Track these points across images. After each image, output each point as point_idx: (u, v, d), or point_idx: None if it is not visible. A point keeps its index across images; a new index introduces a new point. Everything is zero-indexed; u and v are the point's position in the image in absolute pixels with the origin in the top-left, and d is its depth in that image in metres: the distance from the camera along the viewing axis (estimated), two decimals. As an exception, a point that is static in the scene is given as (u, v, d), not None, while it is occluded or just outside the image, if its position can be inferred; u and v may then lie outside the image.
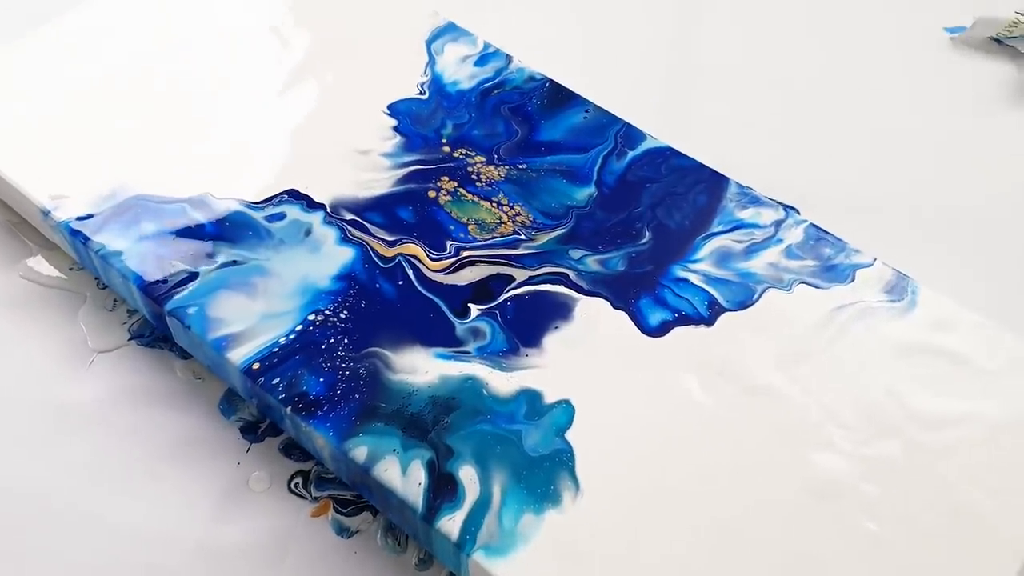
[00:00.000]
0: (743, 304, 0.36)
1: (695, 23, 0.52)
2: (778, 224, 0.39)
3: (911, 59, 0.51)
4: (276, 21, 0.45)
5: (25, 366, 0.38)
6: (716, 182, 0.40)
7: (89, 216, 0.38)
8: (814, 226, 0.39)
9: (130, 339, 0.39)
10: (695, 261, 0.38)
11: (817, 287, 0.37)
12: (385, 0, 0.47)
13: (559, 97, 0.43)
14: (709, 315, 0.36)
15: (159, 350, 0.38)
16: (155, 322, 0.38)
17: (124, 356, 0.38)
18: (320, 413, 0.33)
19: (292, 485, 0.35)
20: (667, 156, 0.41)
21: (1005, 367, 0.35)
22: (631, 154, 0.41)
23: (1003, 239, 0.43)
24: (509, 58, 0.44)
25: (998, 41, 0.51)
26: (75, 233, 0.37)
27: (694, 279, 0.37)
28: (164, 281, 0.36)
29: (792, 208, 0.43)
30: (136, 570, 0.33)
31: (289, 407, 0.33)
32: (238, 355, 0.34)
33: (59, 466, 0.35)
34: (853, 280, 0.37)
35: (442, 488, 0.31)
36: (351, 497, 0.35)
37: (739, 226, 0.39)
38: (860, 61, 0.51)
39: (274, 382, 0.34)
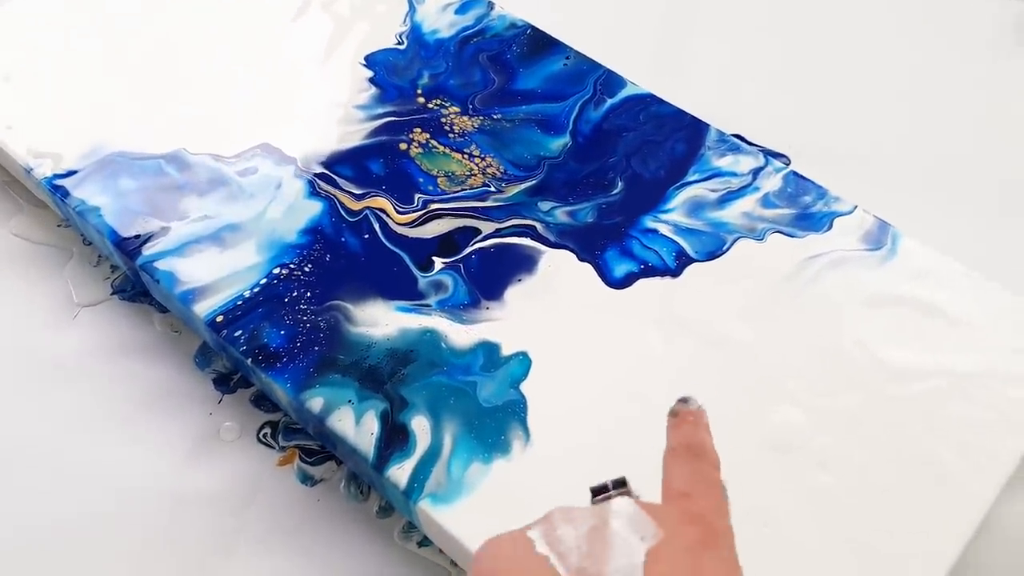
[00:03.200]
0: (712, 254, 0.35)
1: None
2: (756, 172, 0.37)
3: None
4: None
5: (12, 319, 0.39)
6: (696, 129, 0.39)
7: (70, 173, 0.39)
8: (794, 173, 0.37)
9: (113, 294, 0.40)
10: (666, 211, 0.37)
11: (792, 236, 0.36)
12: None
13: (540, 44, 0.42)
14: (676, 266, 0.35)
15: (140, 304, 0.39)
16: (133, 277, 0.38)
17: (107, 310, 0.39)
18: (279, 365, 0.33)
19: (261, 435, 0.36)
20: (647, 103, 0.40)
21: (982, 318, 0.33)
22: (609, 102, 0.40)
23: (1007, 190, 0.41)
24: (491, 4, 0.44)
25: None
26: (55, 189, 0.38)
27: (664, 229, 0.36)
28: (137, 236, 0.37)
29: (783, 156, 0.42)
30: (108, 515, 0.34)
31: (250, 359, 0.34)
32: (203, 308, 0.35)
33: (41, 414, 0.36)
34: (830, 228, 0.36)
35: (394, 438, 0.32)
36: (316, 447, 0.35)
37: (715, 174, 0.38)
38: (858, 5, 0.48)
39: (236, 334, 0.34)
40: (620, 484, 0.21)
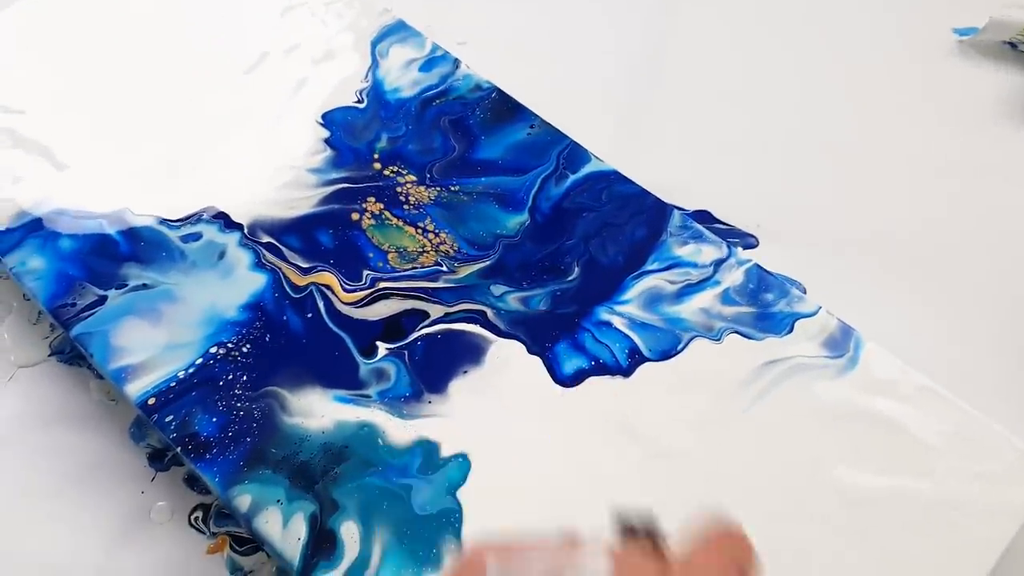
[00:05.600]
0: (666, 354, 0.34)
1: (666, 34, 0.47)
2: (718, 264, 0.36)
3: (913, 65, 0.46)
4: (223, 17, 0.43)
5: (-56, 379, 0.38)
6: (659, 212, 0.37)
7: (8, 230, 0.37)
8: (758, 267, 0.36)
9: (50, 355, 0.38)
10: (622, 303, 0.35)
11: (750, 338, 0.34)
12: (336, -6, 0.44)
13: (504, 109, 0.40)
14: (628, 364, 0.34)
15: (77, 368, 0.38)
16: (72, 340, 0.37)
17: (43, 372, 0.38)
18: (209, 456, 0.32)
19: (192, 519, 0.35)
20: (611, 181, 0.38)
21: (944, 439, 0.32)
22: (572, 178, 0.38)
23: (1002, 280, 0.39)
24: (457, 63, 0.42)
25: (1012, 46, 0.46)
26: (-7, 247, 0.37)
27: (617, 323, 0.35)
28: (73, 304, 0.35)
29: (751, 236, 0.40)
30: (26, 601, 0.33)
31: (179, 447, 0.32)
32: (135, 388, 0.33)
33: (-35, 487, 0.35)
34: (791, 331, 0.34)
35: (321, 544, 0.30)
36: (248, 535, 0.34)
37: (675, 264, 0.36)
38: (851, 68, 0.46)
39: (167, 419, 0.33)
40: (649, 532, 0.20)
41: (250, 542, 0.34)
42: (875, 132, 0.44)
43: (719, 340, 0.34)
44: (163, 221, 0.37)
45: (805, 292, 0.38)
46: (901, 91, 0.45)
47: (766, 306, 0.35)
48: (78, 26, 0.43)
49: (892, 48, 0.47)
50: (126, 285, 0.36)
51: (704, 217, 0.40)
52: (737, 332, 0.34)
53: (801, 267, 0.38)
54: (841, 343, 0.34)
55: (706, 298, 0.35)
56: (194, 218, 0.37)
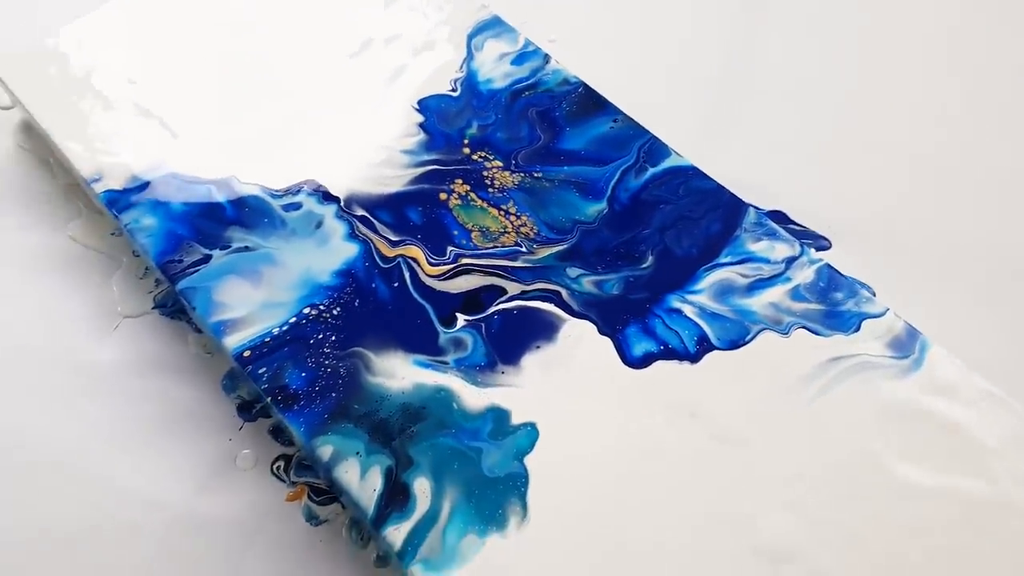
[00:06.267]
0: (734, 344, 0.35)
1: (753, 36, 0.49)
2: (790, 261, 0.37)
3: (992, 77, 0.47)
4: (330, 6, 0.46)
5: (58, 322, 0.41)
6: (734, 208, 0.39)
7: (126, 190, 0.40)
8: (829, 267, 0.37)
9: (154, 307, 0.41)
10: (693, 292, 0.37)
11: (817, 334, 0.35)
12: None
13: (590, 104, 0.42)
14: (696, 352, 0.35)
15: (177, 321, 0.41)
16: (176, 295, 0.40)
17: (146, 323, 0.41)
18: (296, 407, 0.34)
19: (274, 468, 0.37)
20: (688, 176, 0.40)
21: (1006, 444, 0.32)
22: (651, 171, 0.40)
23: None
24: (547, 58, 0.44)
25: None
26: (111, 204, 0.40)
27: (688, 311, 0.36)
28: (180, 260, 0.38)
29: (823, 238, 0.41)
30: (120, 528, 0.36)
31: (269, 397, 0.35)
32: (233, 340, 0.36)
33: (68, 421, 0.38)
34: (858, 330, 0.35)
35: (395, 497, 0.32)
36: (325, 487, 0.36)
37: (748, 259, 0.37)
38: (934, 78, 0.47)
39: (260, 371, 0.35)
40: None
41: (327, 493, 0.36)
42: (955, 142, 0.44)
43: (787, 334, 0.35)
44: (266, 190, 0.40)
45: (874, 295, 0.38)
46: (981, 102, 0.46)
47: (835, 304, 0.36)
48: (196, 8, 0.46)
49: (974, 61, 0.47)
50: (229, 247, 0.38)
51: (779, 217, 0.41)
52: (805, 328, 0.35)
53: (872, 271, 0.39)
54: (907, 344, 0.35)
55: (776, 293, 0.36)
56: (295, 189, 0.40)
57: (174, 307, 0.41)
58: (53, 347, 0.40)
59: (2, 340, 0.40)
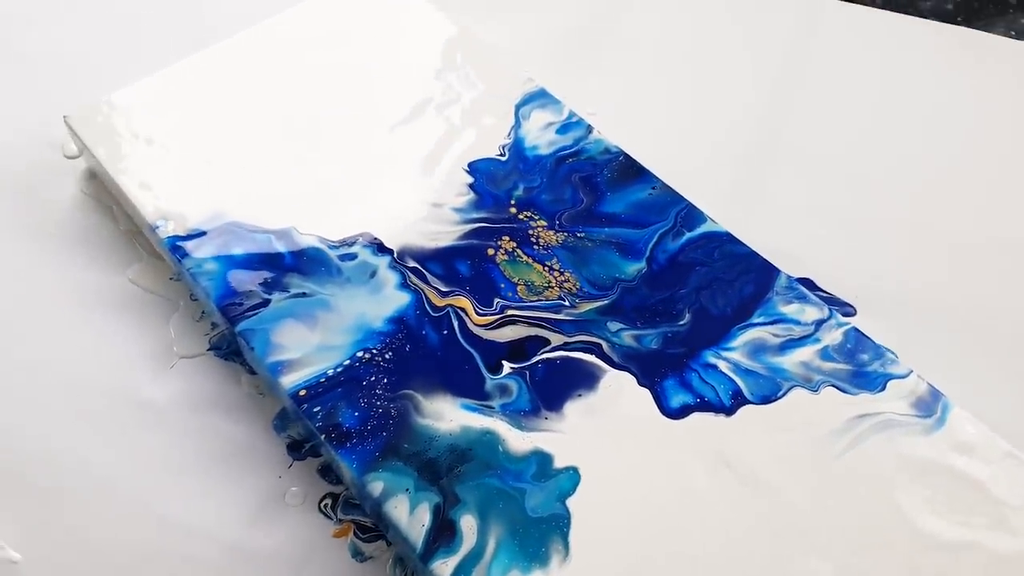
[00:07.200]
0: (767, 399, 0.37)
1: (783, 111, 0.52)
2: (819, 323, 0.39)
3: (1011, 160, 0.49)
4: (386, 71, 0.49)
5: (117, 360, 0.43)
6: (766, 272, 0.41)
7: (190, 236, 0.43)
8: (855, 330, 0.39)
9: (209, 349, 0.43)
10: (728, 349, 0.39)
11: (845, 392, 0.37)
12: (487, 65, 0.50)
13: (629, 171, 0.45)
14: (731, 405, 0.37)
15: (232, 363, 0.43)
16: (230, 337, 0.42)
17: (201, 364, 0.43)
18: (349, 445, 0.36)
19: (322, 505, 0.39)
20: (723, 241, 0.42)
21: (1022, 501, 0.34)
22: (687, 235, 0.42)
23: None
24: (590, 128, 0.47)
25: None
26: (174, 249, 0.42)
27: (723, 367, 0.38)
28: (240, 303, 0.40)
29: (849, 305, 0.43)
30: (173, 559, 0.37)
31: (324, 435, 0.36)
32: (289, 380, 0.38)
33: (126, 454, 0.40)
34: (883, 390, 0.37)
35: (443, 532, 0.34)
36: (371, 524, 0.38)
37: (779, 320, 0.39)
38: (952, 160, 0.50)
39: (315, 410, 0.37)
40: None
41: (372, 530, 0.38)
42: (978, 215, 0.47)
43: (816, 391, 0.37)
44: (324, 241, 0.42)
45: (897, 358, 0.40)
46: (1004, 174, 0.48)
47: (861, 365, 0.38)
48: (258, 71, 0.49)
49: (998, 135, 0.50)
50: (288, 292, 0.41)
51: (807, 284, 0.44)
52: (833, 386, 0.37)
53: (896, 337, 0.41)
54: (930, 405, 0.37)
55: (806, 353, 0.38)
56: (351, 241, 0.42)
57: (228, 349, 0.43)
58: (113, 383, 0.42)
59: (65, 375, 0.42)
